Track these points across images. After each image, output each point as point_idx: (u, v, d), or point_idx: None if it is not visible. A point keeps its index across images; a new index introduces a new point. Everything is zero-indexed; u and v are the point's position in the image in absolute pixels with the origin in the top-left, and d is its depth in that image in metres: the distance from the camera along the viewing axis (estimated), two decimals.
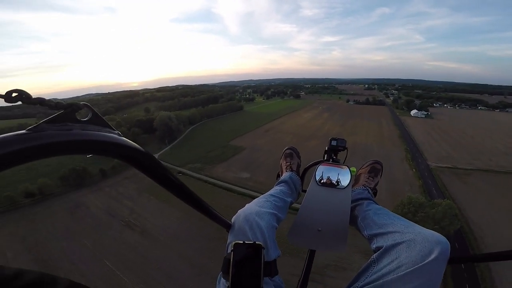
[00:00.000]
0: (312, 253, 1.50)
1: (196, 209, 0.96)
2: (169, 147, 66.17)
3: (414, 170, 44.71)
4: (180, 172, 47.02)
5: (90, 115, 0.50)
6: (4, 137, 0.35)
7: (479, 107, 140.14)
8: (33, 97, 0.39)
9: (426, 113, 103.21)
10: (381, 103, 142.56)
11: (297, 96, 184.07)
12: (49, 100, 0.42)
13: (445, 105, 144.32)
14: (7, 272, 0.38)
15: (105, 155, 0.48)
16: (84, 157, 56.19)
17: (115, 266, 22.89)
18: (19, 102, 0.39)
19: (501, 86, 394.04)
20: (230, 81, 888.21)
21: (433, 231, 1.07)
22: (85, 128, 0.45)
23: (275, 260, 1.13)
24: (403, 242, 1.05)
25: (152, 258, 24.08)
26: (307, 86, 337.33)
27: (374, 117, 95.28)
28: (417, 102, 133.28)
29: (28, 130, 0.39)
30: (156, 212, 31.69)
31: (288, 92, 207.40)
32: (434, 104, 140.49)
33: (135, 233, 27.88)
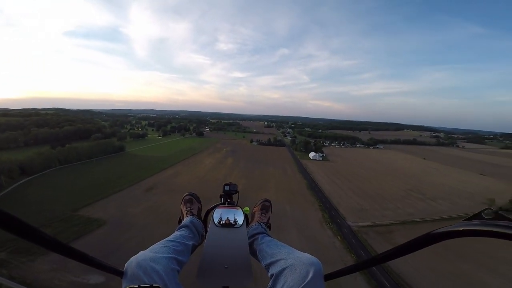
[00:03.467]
0: None
1: (77, 260, 0.87)
2: None
3: (339, 238, 38.42)
4: None
5: None
6: None
7: (357, 145, 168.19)
8: None
9: (322, 154, 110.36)
10: (281, 143, 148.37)
11: (200, 134, 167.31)
12: None
13: (332, 144, 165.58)
14: None
15: None
16: None
17: None
18: None
19: (361, 121, 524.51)
20: (127, 109, 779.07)
21: (308, 254, 1.28)
22: None
23: None
24: (287, 267, 1.23)
25: None
26: (213, 121, 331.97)
27: (278, 162, 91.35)
28: (310, 140, 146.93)
29: None
30: None
31: (191, 129, 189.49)
32: (324, 143, 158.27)
33: None
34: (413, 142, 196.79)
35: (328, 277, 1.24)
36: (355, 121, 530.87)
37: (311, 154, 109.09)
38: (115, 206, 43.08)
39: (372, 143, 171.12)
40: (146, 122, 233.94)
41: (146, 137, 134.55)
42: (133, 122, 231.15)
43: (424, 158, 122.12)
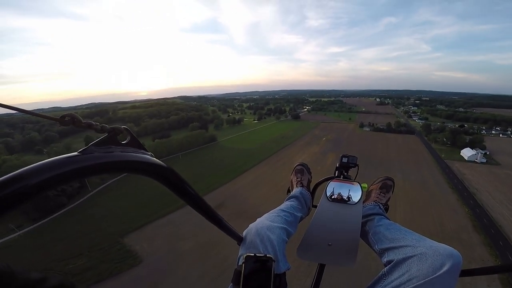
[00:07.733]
0: (321, 267, 1.50)
1: (210, 220, 1.00)
2: (24, 230, 34.14)
3: None
4: None
5: (128, 138, 0.60)
6: (60, 158, 0.44)
7: None
8: (83, 121, 0.48)
9: (484, 151, 67.61)
10: (409, 130, 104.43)
11: (296, 117, 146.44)
12: (96, 124, 0.51)
13: (493, 132, 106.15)
14: (33, 276, 0.45)
15: (140, 174, 0.55)
16: None
17: None
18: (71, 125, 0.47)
19: None
20: (235, 92, 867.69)
21: (446, 245, 1.07)
22: (124, 151, 0.55)
23: (284, 273, 1.17)
24: (414, 255, 1.07)
25: None
26: (312, 99, 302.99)
27: (409, 164, 60.18)
28: (456, 126, 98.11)
29: (80, 152, 0.48)
30: None
31: (287, 110, 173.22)
32: (480, 131, 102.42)
33: None
34: None
35: (465, 273, 1.08)
36: (505, 96, 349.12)
37: (467, 152, 67.52)
38: (165, 234, 32.23)
39: None
40: (248, 104, 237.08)
41: (242, 122, 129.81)
42: (236, 105, 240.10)
43: None
